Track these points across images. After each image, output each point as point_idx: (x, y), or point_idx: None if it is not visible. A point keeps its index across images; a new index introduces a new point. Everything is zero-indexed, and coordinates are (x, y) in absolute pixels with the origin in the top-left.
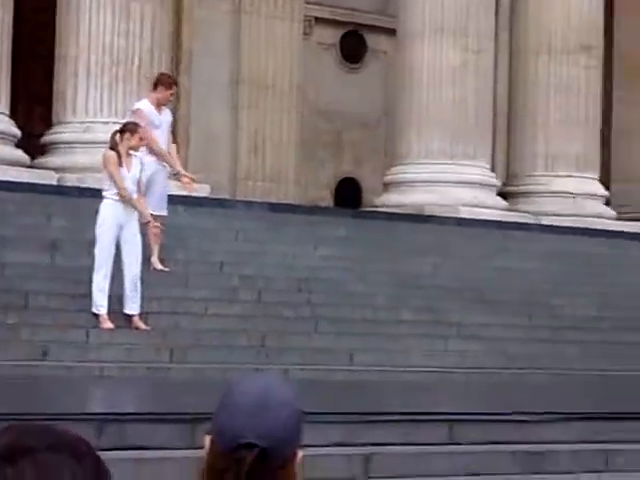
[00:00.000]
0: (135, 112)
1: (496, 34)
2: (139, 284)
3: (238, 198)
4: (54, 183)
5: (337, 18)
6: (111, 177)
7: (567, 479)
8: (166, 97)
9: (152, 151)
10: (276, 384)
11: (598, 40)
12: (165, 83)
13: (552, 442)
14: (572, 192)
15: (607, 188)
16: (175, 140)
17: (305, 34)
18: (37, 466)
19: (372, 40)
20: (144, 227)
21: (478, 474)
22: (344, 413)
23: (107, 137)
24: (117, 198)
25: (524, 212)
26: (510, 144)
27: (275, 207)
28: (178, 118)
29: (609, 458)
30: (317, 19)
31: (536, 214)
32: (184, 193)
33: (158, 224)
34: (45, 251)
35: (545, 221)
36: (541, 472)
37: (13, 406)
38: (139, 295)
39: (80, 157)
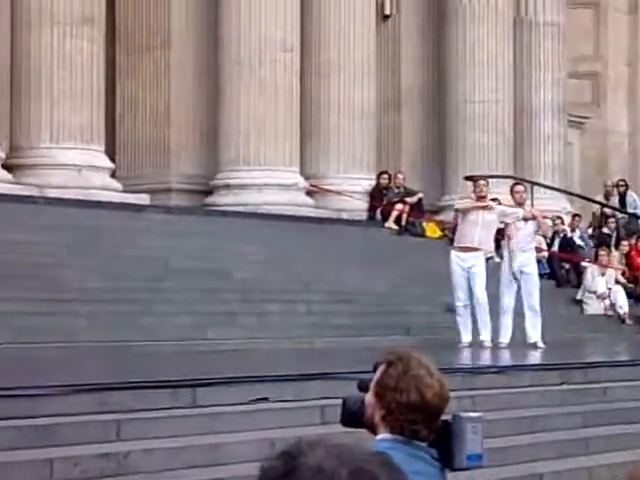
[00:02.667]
0: None
1: None
2: None
3: None
4: None
5: None
6: None
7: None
8: None
9: None
10: None
11: (100, 12)
12: None
13: (60, 415)
14: (78, 164)
15: (113, 160)
16: None
17: None
18: None
19: None
20: None
21: None
22: None
23: None
24: None
25: (29, 185)
26: (14, 116)
27: None
28: None
29: (121, 427)
30: None
31: (42, 187)
32: None
33: None
34: None
35: (51, 194)
36: (50, 445)
37: None
38: None
39: None
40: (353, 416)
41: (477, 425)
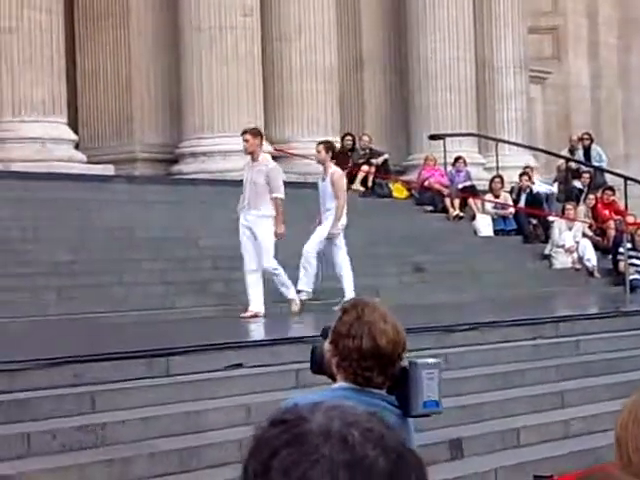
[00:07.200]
0: None
1: None
2: None
3: None
4: None
5: None
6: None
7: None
8: None
9: None
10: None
11: None
12: None
13: (36, 389)
14: (41, 137)
15: (76, 132)
16: None
17: None
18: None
19: None
20: None
21: None
22: None
23: None
24: None
25: None
26: None
27: None
28: None
29: (96, 399)
30: None
31: (6, 161)
32: None
33: None
34: None
35: (16, 167)
36: (27, 419)
37: None
38: None
39: None
40: (320, 364)
41: (433, 371)
